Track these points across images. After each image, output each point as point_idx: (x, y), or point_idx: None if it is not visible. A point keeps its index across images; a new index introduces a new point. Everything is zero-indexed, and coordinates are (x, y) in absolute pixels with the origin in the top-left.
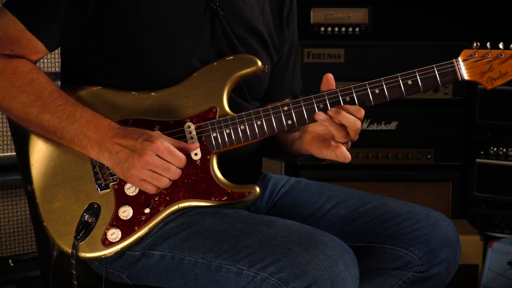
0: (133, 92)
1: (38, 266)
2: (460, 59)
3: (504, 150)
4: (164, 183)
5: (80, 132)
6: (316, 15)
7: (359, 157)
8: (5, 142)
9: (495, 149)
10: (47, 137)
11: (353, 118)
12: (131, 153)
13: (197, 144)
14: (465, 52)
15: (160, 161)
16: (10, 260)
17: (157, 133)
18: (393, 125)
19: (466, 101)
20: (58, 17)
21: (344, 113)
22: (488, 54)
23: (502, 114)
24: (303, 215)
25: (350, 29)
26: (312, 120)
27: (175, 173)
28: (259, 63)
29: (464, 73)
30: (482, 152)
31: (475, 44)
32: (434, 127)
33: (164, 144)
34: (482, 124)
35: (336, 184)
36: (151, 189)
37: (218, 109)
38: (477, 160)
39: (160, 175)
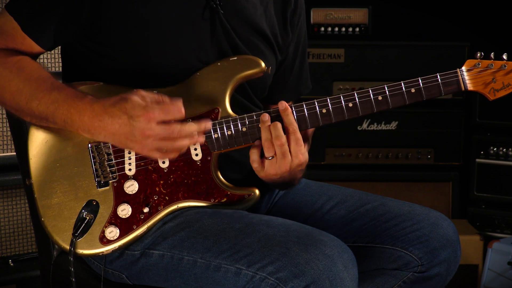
0: (135, 89)
1: (38, 266)
2: (464, 68)
3: (504, 150)
4: (175, 153)
5: (68, 117)
6: (316, 15)
7: (359, 157)
8: (5, 142)
9: (495, 149)
10: (43, 127)
11: (280, 132)
12: (130, 133)
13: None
14: (469, 62)
15: (160, 129)
16: (10, 260)
17: (140, 102)
18: (393, 125)
19: (466, 101)
20: (53, 19)
21: (278, 124)
22: (492, 65)
23: (502, 114)
24: (303, 215)
25: (350, 29)
26: (314, 124)
27: (180, 133)
28: (263, 64)
29: (468, 83)
30: (482, 152)
31: (479, 54)
32: (434, 127)
33: (156, 110)
34: (482, 124)
35: (336, 184)
36: (161, 157)
37: (220, 110)
38: (477, 160)
39: (166, 146)
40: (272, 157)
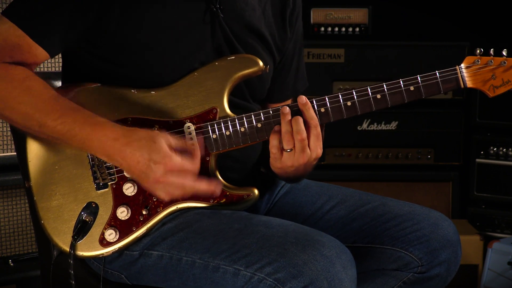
0: (132, 90)
1: (38, 266)
2: (463, 65)
3: (504, 150)
4: (178, 196)
5: (86, 142)
6: (316, 15)
7: (359, 157)
8: (5, 142)
9: (495, 149)
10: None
11: (301, 127)
12: (144, 173)
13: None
14: (468, 59)
15: (174, 180)
16: (10, 260)
17: (166, 150)
18: (393, 125)
19: (466, 101)
20: (59, 25)
21: (299, 118)
22: (491, 61)
23: (502, 114)
24: (303, 216)
25: (350, 29)
26: None
27: (189, 189)
28: (261, 63)
29: (467, 80)
30: (482, 152)
31: (478, 51)
32: (434, 127)
33: (176, 163)
34: (482, 124)
35: (336, 184)
36: (165, 197)
37: (218, 110)
38: (477, 160)
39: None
40: (291, 149)
